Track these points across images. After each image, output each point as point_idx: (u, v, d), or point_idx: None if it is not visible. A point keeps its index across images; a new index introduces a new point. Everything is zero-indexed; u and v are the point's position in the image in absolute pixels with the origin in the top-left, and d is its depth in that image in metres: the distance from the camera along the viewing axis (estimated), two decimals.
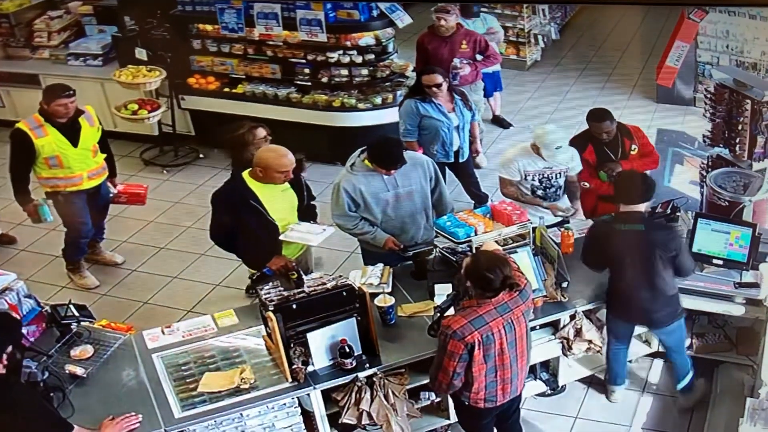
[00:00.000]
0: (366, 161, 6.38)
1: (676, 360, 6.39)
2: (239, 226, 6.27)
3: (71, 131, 7.48)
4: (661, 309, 6.05)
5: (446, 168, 8.14)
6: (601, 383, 6.78)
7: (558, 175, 7.04)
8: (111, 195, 8.11)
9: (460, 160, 8.29)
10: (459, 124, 8.00)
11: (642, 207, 5.94)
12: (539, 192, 7.04)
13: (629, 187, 5.99)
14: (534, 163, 6.95)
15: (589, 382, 6.83)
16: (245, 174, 6.26)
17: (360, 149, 6.49)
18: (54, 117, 7.38)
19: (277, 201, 6.26)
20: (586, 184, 7.22)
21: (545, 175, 7.00)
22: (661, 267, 5.88)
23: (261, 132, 7.08)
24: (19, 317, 5.84)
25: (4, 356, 4.67)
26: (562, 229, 6.70)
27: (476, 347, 4.88)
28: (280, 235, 6.27)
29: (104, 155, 7.84)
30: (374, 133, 9.18)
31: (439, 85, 7.80)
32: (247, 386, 5.43)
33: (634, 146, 7.24)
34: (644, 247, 5.85)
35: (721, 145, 7.39)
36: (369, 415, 5.46)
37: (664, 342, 6.41)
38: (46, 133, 7.38)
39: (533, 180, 6.97)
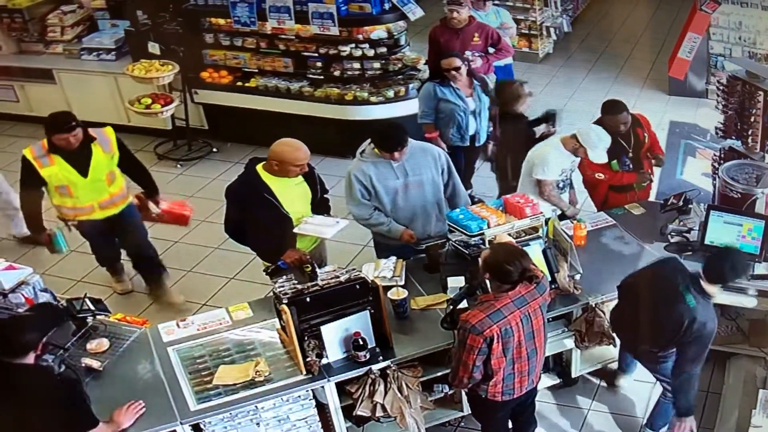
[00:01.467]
0: (376, 149, 6.44)
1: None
2: (253, 220, 6.29)
3: (80, 160, 6.87)
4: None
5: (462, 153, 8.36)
6: (612, 376, 6.82)
7: (573, 170, 7.15)
8: (153, 214, 7.56)
9: (477, 145, 8.47)
10: (476, 108, 8.18)
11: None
12: (560, 186, 7.09)
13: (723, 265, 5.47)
14: (568, 160, 7.01)
15: (602, 374, 6.86)
16: (259, 167, 6.28)
17: (370, 138, 6.55)
18: (59, 147, 6.82)
19: (291, 194, 6.28)
20: (600, 175, 7.23)
21: (569, 169, 7.12)
22: None
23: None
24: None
25: (39, 347, 4.78)
26: (575, 221, 6.73)
27: (495, 340, 4.89)
28: (294, 228, 6.30)
29: (121, 182, 7.21)
30: None
31: (457, 69, 8.04)
32: (261, 379, 5.47)
33: (645, 134, 7.26)
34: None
35: (733, 137, 7.37)
36: (383, 407, 5.48)
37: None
38: (52, 162, 6.83)
39: (562, 176, 7.04)
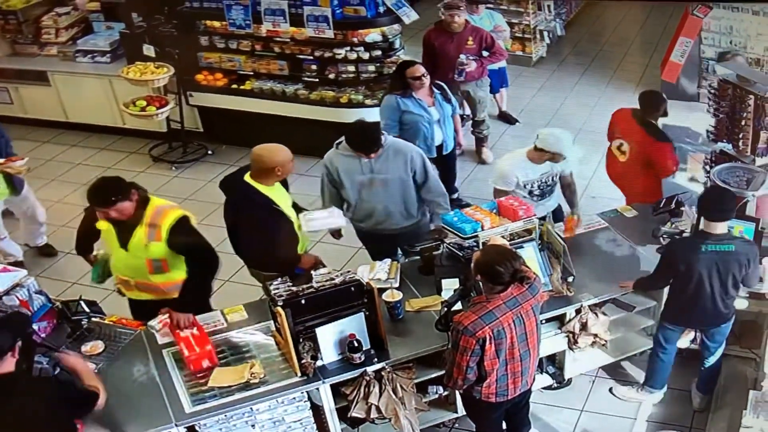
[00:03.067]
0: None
1: (712, 351, 6.33)
2: (261, 237, 6.22)
3: (125, 231, 5.95)
4: (723, 314, 6.05)
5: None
6: (606, 376, 6.86)
7: (555, 177, 6.97)
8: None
9: (444, 153, 8.28)
10: (440, 117, 8.03)
11: (726, 225, 5.80)
12: (536, 193, 6.96)
13: (717, 203, 5.80)
14: (534, 171, 6.82)
15: (595, 375, 6.90)
16: (251, 182, 6.16)
17: None
18: None
19: (284, 198, 6.31)
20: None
21: (544, 180, 6.90)
22: (738, 279, 5.88)
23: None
24: (30, 313, 5.92)
25: (16, 351, 4.70)
26: (569, 215, 6.78)
27: (488, 342, 4.93)
28: (303, 228, 6.32)
29: (171, 277, 6.10)
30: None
31: (421, 77, 7.85)
32: (256, 381, 5.50)
33: None
34: (729, 265, 5.77)
35: (724, 141, 7.42)
36: (378, 408, 5.52)
37: (709, 337, 6.28)
38: (102, 218, 5.98)
39: (532, 187, 6.87)
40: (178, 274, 6.08)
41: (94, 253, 6.47)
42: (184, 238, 5.96)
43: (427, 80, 7.90)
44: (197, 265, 6.01)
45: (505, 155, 7.20)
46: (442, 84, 8.28)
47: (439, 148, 8.17)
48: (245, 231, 6.33)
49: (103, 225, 5.97)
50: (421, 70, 7.87)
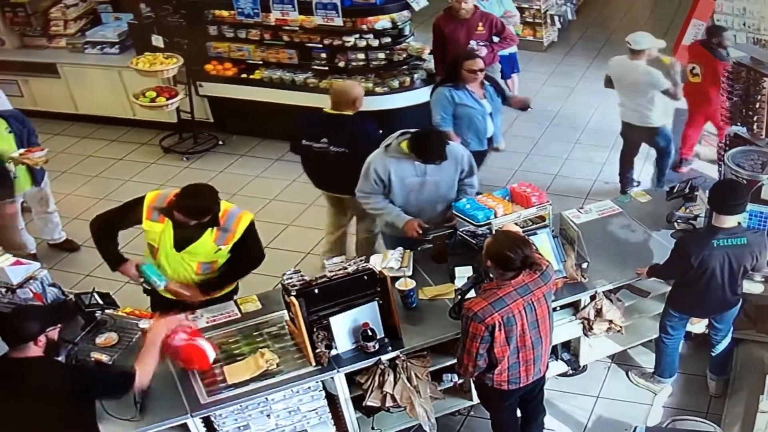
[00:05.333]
0: (403, 144, 6.39)
1: (722, 334, 6.32)
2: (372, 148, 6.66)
3: (186, 234, 5.80)
4: (732, 301, 6.03)
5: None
6: (620, 363, 6.84)
7: None
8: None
9: (492, 147, 8.21)
10: (492, 110, 7.85)
11: (737, 218, 5.77)
12: None
13: (729, 197, 5.73)
14: None
15: (611, 362, 6.88)
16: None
17: (400, 131, 6.51)
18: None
19: None
20: None
21: None
22: (748, 270, 5.87)
23: None
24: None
25: (40, 341, 4.69)
26: None
27: (497, 328, 4.91)
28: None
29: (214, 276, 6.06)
30: (392, 116, 9.23)
31: (481, 70, 7.67)
32: (273, 367, 5.49)
33: None
34: (741, 258, 5.75)
35: (738, 124, 7.36)
36: (392, 397, 5.51)
37: (718, 321, 6.26)
38: (162, 221, 5.80)
39: None
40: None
41: (131, 264, 6.08)
42: (249, 243, 5.97)
43: (482, 74, 7.75)
44: (245, 264, 6.08)
45: None
46: (493, 76, 8.18)
47: (488, 141, 8.02)
48: (361, 150, 6.70)
49: (157, 227, 5.82)
50: (480, 63, 7.64)
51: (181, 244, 5.83)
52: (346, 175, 6.77)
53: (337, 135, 7.15)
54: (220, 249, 5.86)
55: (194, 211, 5.64)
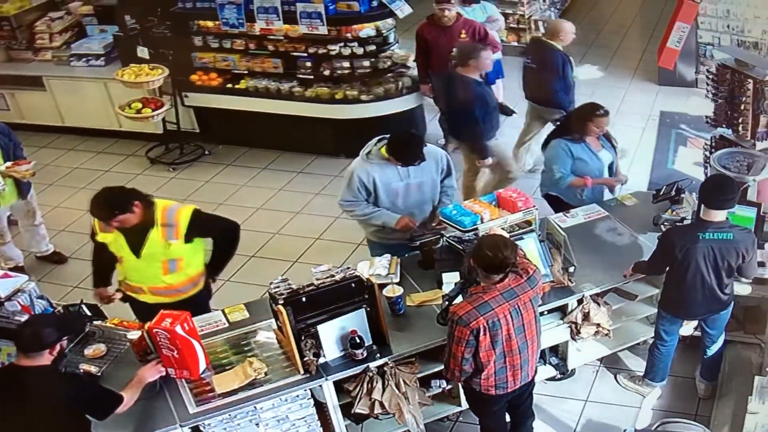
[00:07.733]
0: (383, 150, 6.42)
1: (713, 338, 6.31)
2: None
3: (136, 238, 5.91)
4: (722, 300, 6.01)
5: None
6: (609, 366, 6.85)
7: None
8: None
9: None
10: (610, 162, 7.35)
11: (725, 213, 5.77)
12: None
13: (719, 192, 5.72)
14: None
15: (599, 365, 6.88)
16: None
17: (377, 138, 6.54)
18: None
19: None
20: None
21: None
22: (733, 267, 5.85)
23: None
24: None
25: (55, 350, 4.83)
26: None
27: (482, 332, 4.91)
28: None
29: (186, 274, 6.13)
30: (378, 124, 9.20)
31: (603, 127, 7.15)
32: (261, 376, 5.48)
33: None
34: (726, 254, 5.73)
35: (724, 126, 7.39)
36: (381, 404, 5.50)
37: (709, 325, 6.23)
38: (111, 230, 5.93)
39: None
40: (194, 269, 6.18)
41: (112, 291, 6.40)
42: (206, 225, 6.10)
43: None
44: (224, 239, 6.26)
45: None
46: (609, 132, 7.40)
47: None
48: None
49: (107, 237, 5.98)
50: (608, 120, 7.13)
51: (135, 249, 5.94)
52: None
53: None
54: (171, 244, 5.92)
55: (97, 211, 5.81)
